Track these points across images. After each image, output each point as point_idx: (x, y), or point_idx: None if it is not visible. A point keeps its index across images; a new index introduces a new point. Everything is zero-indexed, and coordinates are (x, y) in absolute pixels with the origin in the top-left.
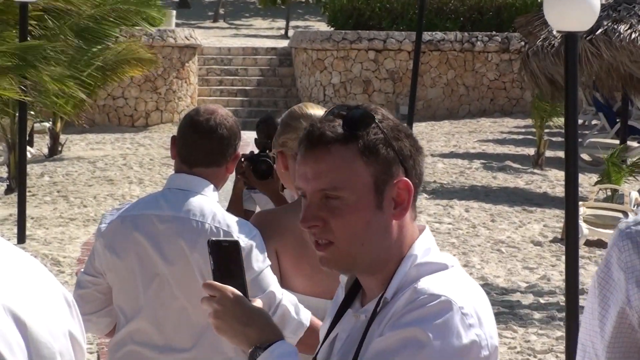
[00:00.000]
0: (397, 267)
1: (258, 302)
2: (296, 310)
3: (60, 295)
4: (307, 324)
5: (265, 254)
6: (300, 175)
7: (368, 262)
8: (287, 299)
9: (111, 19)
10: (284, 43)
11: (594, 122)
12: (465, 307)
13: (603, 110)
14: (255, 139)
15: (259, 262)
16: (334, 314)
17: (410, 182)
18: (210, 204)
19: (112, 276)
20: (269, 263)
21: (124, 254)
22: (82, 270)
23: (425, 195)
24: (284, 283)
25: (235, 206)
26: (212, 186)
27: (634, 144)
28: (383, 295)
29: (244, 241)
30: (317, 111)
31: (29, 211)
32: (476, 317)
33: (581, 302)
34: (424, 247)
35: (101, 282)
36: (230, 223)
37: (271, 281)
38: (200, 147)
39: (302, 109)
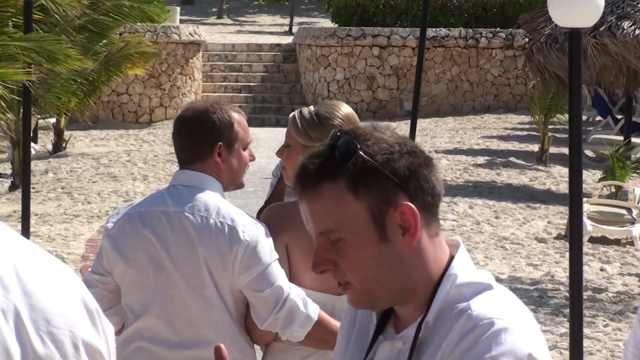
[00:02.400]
0: (432, 289)
1: None
2: (304, 304)
3: (78, 302)
4: (316, 318)
5: (272, 247)
6: (302, 216)
7: (391, 295)
8: (295, 293)
9: (112, 15)
10: (288, 39)
11: (597, 118)
12: (525, 328)
13: (599, 107)
14: None
15: (266, 255)
16: (353, 339)
17: (413, 206)
18: (215, 198)
19: (119, 274)
20: (277, 257)
21: (132, 251)
22: (90, 269)
23: None
24: (292, 278)
25: (276, 200)
26: (215, 181)
27: (638, 140)
28: (424, 319)
29: (249, 235)
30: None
31: (33, 208)
32: (534, 336)
33: (585, 299)
34: (463, 266)
35: (109, 281)
36: (235, 217)
37: (279, 275)
38: (179, 146)
39: (338, 108)
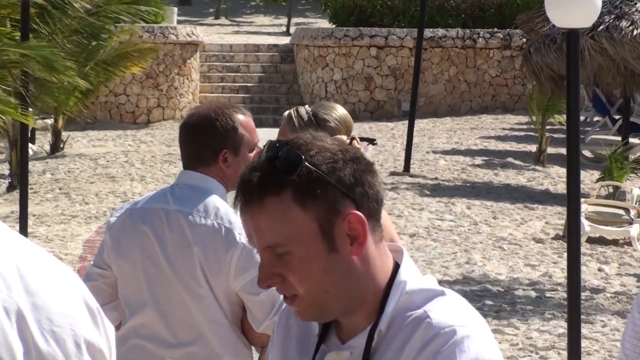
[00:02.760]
0: (381, 297)
1: None
2: None
3: (80, 302)
4: None
5: None
6: (245, 230)
7: (340, 306)
8: None
9: (108, 14)
10: (285, 40)
11: (595, 118)
12: (484, 333)
13: (597, 108)
14: None
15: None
16: (294, 344)
17: (361, 213)
18: (215, 200)
19: (117, 268)
20: None
21: (130, 247)
22: (92, 262)
23: (427, 192)
24: None
25: None
26: (219, 184)
27: (636, 140)
28: (375, 328)
29: (245, 239)
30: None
31: (31, 208)
32: (492, 342)
33: (582, 299)
34: (410, 272)
35: (109, 275)
36: (233, 220)
37: None
38: (184, 153)
39: (335, 110)
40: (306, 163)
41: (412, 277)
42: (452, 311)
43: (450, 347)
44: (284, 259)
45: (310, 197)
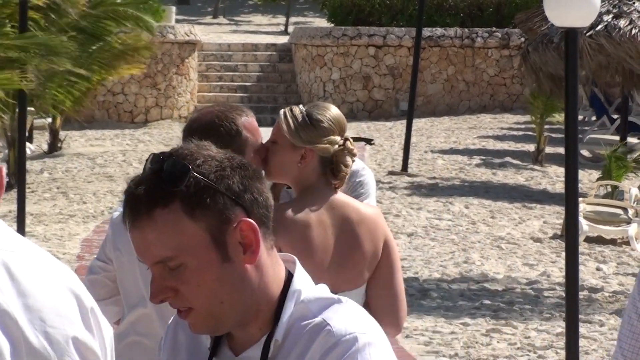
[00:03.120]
0: (275, 306)
1: None
2: None
3: (73, 302)
4: None
5: None
6: (134, 247)
7: (235, 316)
8: None
9: (109, 17)
10: (283, 39)
11: (593, 118)
12: (384, 340)
13: (595, 107)
14: None
15: None
16: (184, 357)
17: (252, 220)
18: None
19: (117, 262)
20: None
21: (128, 241)
22: (96, 256)
23: (425, 191)
24: None
25: None
26: None
27: (634, 140)
28: (271, 337)
29: None
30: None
31: (29, 208)
32: (390, 348)
33: (581, 299)
34: (304, 281)
35: (111, 269)
36: None
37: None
38: None
39: (329, 110)
40: (194, 173)
41: (306, 285)
42: (351, 318)
43: (352, 355)
44: (177, 272)
45: (200, 206)
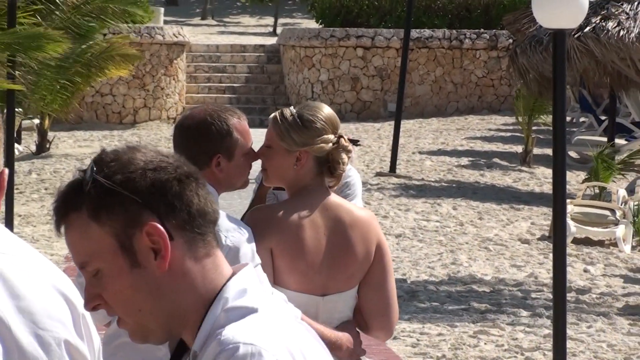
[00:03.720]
0: (202, 316)
1: None
2: None
3: (64, 306)
4: None
5: (255, 252)
6: None
7: (161, 325)
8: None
9: (95, 15)
10: (272, 40)
11: (581, 119)
12: (280, 353)
13: (587, 109)
14: None
15: (247, 261)
16: None
17: (159, 224)
18: None
19: None
20: (259, 261)
21: None
22: None
23: (413, 192)
24: (277, 280)
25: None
26: (211, 188)
27: (622, 141)
28: (192, 348)
29: (231, 241)
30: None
31: (17, 209)
32: None
33: (568, 300)
34: (238, 289)
35: None
36: (220, 222)
37: (260, 280)
38: (177, 153)
39: (321, 110)
40: (97, 175)
41: (238, 293)
42: (247, 329)
43: (226, 357)
44: (97, 278)
45: (104, 210)
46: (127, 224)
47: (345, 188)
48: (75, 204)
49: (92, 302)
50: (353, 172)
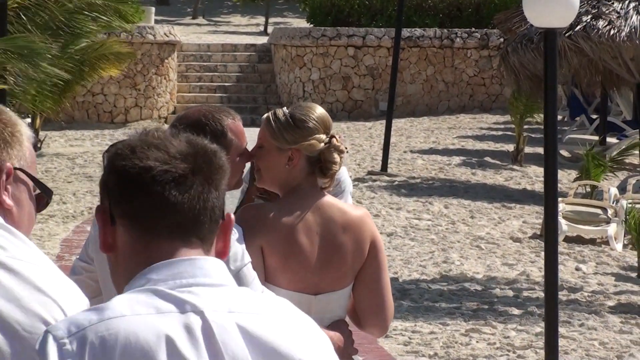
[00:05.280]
0: None
1: None
2: None
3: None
4: None
5: (245, 251)
6: None
7: None
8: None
9: (86, 13)
10: (263, 40)
11: (577, 118)
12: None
13: (574, 107)
14: None
15: (237, 261)
16: None
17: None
18: None
19: (98, 263)
20: (249, 260)
21: None
22: (78, 256)
23: (405, 191)
24: (268, 279)
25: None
26: None
27: (613, 140)
28: None
29: None
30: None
31: None
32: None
33: (560, 298)
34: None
35: (93, 269)
36: None
37: (250, 279)
38: None
39: (313, 110)
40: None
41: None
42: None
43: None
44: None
45: None
46: None
47: (335, 186)
48: None
49: None
50: (342, 170)
